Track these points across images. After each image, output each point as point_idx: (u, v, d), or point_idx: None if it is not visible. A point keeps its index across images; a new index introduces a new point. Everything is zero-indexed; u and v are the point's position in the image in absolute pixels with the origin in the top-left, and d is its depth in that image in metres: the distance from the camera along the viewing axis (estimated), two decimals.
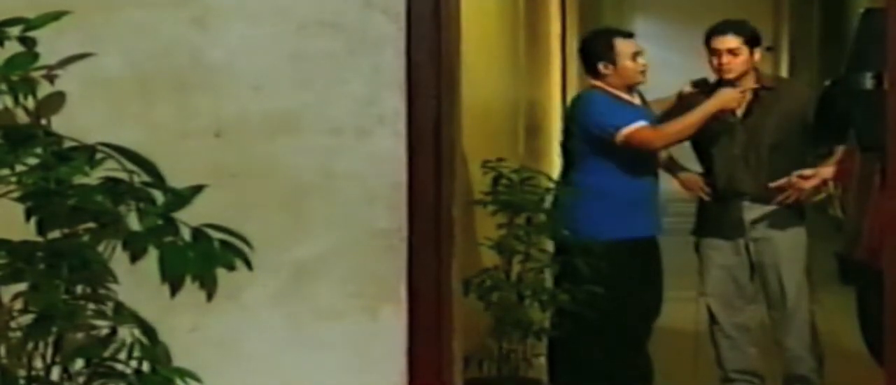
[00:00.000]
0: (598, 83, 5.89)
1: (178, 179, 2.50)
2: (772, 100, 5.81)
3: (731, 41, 5.77)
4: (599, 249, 5.48)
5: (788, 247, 5.85)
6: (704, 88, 5.94)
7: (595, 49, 5.89)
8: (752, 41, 5.86)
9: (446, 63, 3.14)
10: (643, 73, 5.91)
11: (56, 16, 2.48)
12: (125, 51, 3.03)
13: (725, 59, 5.76)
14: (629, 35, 6.12)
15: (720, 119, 5.77)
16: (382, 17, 3.04)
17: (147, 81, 3.04)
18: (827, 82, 6.01)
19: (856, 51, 5.53)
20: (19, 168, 2.35)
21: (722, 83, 5.81)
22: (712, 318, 5.95)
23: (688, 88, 6.05)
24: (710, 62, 5.83)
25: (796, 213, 5.84)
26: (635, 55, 5.87)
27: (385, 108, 3.06)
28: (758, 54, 5.88)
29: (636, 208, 5.83)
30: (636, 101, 5.92)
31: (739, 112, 5.82)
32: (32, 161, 2.36)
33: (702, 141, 5.92)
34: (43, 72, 2.42)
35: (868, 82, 5.13)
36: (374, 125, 3.07)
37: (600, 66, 5.84)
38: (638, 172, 5.84)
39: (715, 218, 5.92)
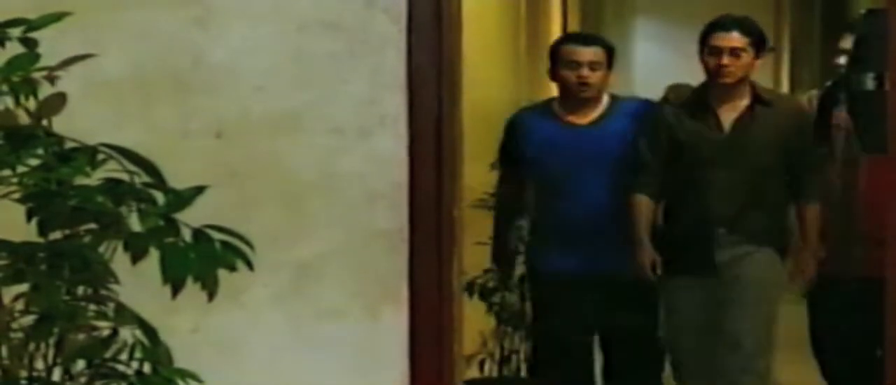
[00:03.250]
0: (554, 95, 5.39)
1: (179, 180, 2.49)
2: (766, 116, 5.03)
3: (735, 39, 4.98)
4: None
5: (763, 287, 5.05)
6: (686, 96, 5.23)
7: (551, 55, 5.28)
8: (759, 43, 5.07)
9: (447, 64, 3.14)
10: (582, 85, 5.11)
11: (57, 17, 2.46)
12: (127, 51, 3.03)
13: (726, 59, 4.96)
14: (588, 41, 5.36)
15: (702, 135, 5.04)
16: (384, 17, 3.04)
17: (148, 82, 3.04)
18: (828, 83, 5.43)
19: (857, 52, 5.06)
20: (20, 169, 2.34)
21: (714, 87, 5.02)
22: (676, 367, 5.22)
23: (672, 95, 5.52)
24: (705, 62, 5.01)
25: (778, 247, 5.08)
26: (575, 64, 5.13)
27: (386, 109, 3.06)
28: (760, 59, 5.10)
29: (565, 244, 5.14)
30: (588, 117, 5.17)
31: (726, 126, 5.03)
32: (33, 162, 2.35)
33: (674, 159, 5.07)
34: (44, 73, 2.40)
35: (870, 83, 4.87)
36: (376, 125, 3.07)
37: (550, 73, 5.29)
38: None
39: (681, 253, 5.08)
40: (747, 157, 5.03)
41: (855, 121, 4.99)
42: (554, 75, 5.26)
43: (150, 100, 3.04)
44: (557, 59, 5.20)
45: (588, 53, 5.17)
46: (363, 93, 3.05)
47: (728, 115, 5.06)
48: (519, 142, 5.24)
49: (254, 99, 3.05)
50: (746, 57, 5.01)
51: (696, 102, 5.17)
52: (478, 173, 5.44)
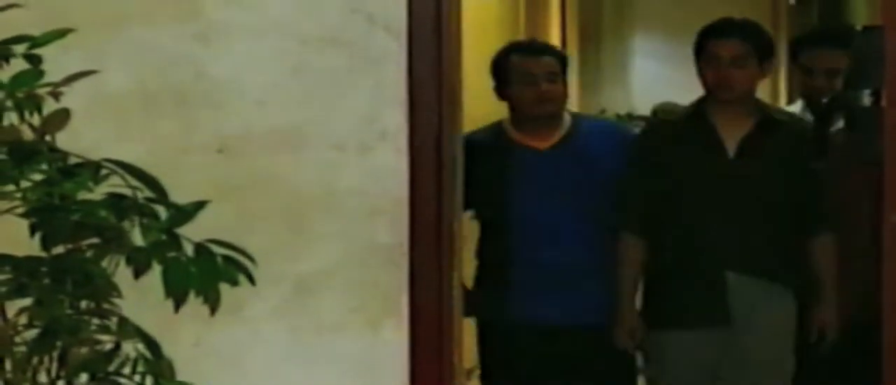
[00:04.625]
0: (505, 117, 4.55)
1: (181, 194, 2.50)
2: (776, 137, 4.28)
3: (736, 47, 4.23)
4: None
5: (775, 333, 4.31)
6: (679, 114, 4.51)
7: (493, 69, 4.53)
8: (764, 51, 4.30)
9: (447, 79, 3.14)
10: (544, 103, 4.39)
11: (61, 33, 2.48)
12: (130, 67, 3.03)
13: (726, 70, 4.21)
14: (540, 49, 4.68)
15: (702, 159, 4.30)
16: (384, 33, 3.04)
17: (151, 97, 3.05)
18: (824, 100, 4.77)
19: (853, 68, 4.57)
20: (24, 184, 2.35)
21: (714, 103, 4.27)
22: None
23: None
24: (703, 74, 4.28)
25: (794, 287, 4.33)
26: (530, 77, 4.39)
27: (387, 124, 3.06)
28: (767, 68, 4.33)
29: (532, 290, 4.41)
30: (549, 140, 4.44)
31: (731, 148, 4.27)
32: (37, 177, 2.36)
33: (667, 189, 4.28)
34: (48, 89, 2.41)
35: (866, 99, 4.42)
36: (376, 141, 3.07)
37: (498, 91, 4.51)
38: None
39: (679, 301, 4.28)
40: (757, 183, 4.26)
41: (852, 137, 4.48)
42: (502, 93, 4.49)
43: (152, 115, 3.05)
44: (506, 74, 4.45)
45: (543, 63, 4.44)
46: (364, 108, 3.06)
47: (733, 136, 4.29)
48: (480, 164, 4.27)
49: (255, 114, 3.06)
50: (750, 67, 4.26)
51: (693, 121, 4.36)
52: None
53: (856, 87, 4.54)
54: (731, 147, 4.28)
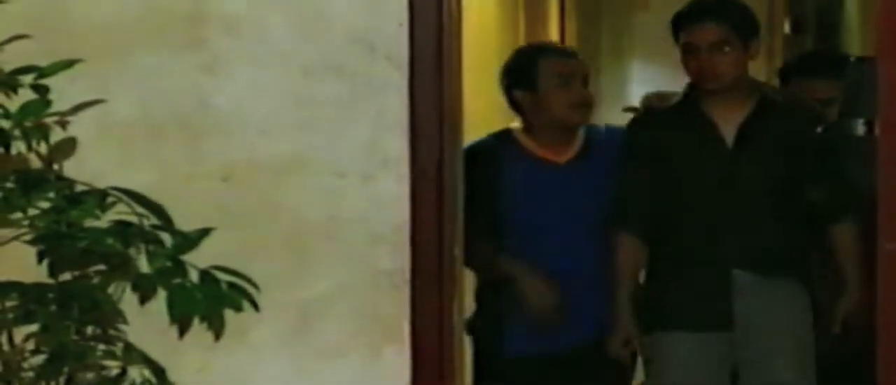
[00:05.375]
0: (514, 125, 4.19)
1: (186, 222, 2.51)
2: (776, 120, 3.94)
3: (710, 31, 3.84)
4: None
5: (791, 327, 3.94)
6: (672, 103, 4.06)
7: (512, 72, 4.16)
8: (746, 30, 3.90)
9: (448, 107, 3.14)
10: (581, 108, 4.05)
11: (68, 64, 2.49)
12: (136, 96, 3.03)
13: (705, 58, 3.83)
14: (565, 53, 4.30)
15: (699, 150, 3.95)
16: (386, 63, 3.05)
17: (157, 126, 3.05)
18: (819, 129, 4.34)
19: (847, 98, 4.24)
20: (32, 211, 2.36)
21: (704, 92, 3.90)
22: None
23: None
24: (685, 65, 3.91)
25: (803, 278, 3.96)
26: (567, 78, 4.03)
27: (388, 152, 3.07)
28: (754, 49, 3.93)
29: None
30: (566, 153, 4.11)
31: (729, 137, 3.92)
32: (45, 205, 2.37)
33: (664, 184, 3.96)
34: (55, 118, 2.42)
35: (859, 129, 4.04)
36: (378, 168, 3.07)
37: (517, 95, 4.11)
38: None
39: (680, 303, 3.95)
40: (760, 173, 3.90)
41: (845, 166, 4.12)
42: (520, 98, 4.08)
43: (158, 143, 3.05)
44: (532, 78, 4.05)
45: (579, 66, 4.11)
46: (366, 136, 3.06)
47: (729, 123, 3.93)
48: (491, 178, 4.02)
49: (259, 142, 3.06)
50: (732, 51, 3.85)
51: (685, 111, 3.99)
52: None
53: (850, 117, 4.17)
54: (728, 136, 3.91)
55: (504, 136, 4.18)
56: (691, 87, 4.00)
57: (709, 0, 3.95)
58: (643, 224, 3.99)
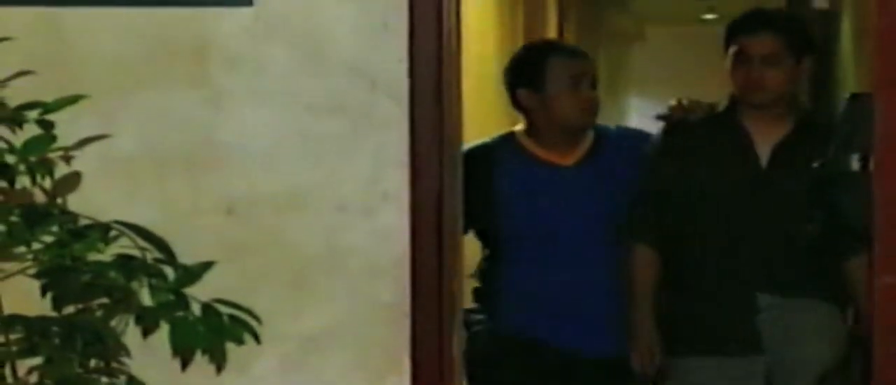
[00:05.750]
0: (517, 127, 4.01)
1: (189, 255, 2.50)
2: (813, 143, 3.71)
3: (766, 43, 3.67)
4: None
5: (823, 343, 3.74)
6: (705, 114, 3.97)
7: (518, 70, 3.97)
8: (800, 44, 3.72)
9: (447, 142, 3.15)
10: (590, 111, 3.89)
11: (73, 99, 2.49)
12: (140, 131, 3.04)
13: (756, 69, 3.67)
14: (576, 54, 4.04)
15: (732, 167, 3.75)
16: (387, 99, 3.05)
17: (161, 161, 3.05)
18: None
19: (843, 134, 3.96)
20: (36, 245, 2.35)
21: (746, 106, 3.72)
22: None
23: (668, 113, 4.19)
24: (733, 75, 3.71)
25: (838, 301, 3.78)
26: (577, 80, 3.86)
27: (388, 186, 3.07)
28: (806, 66, 3.77)
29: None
30: (572, 155, 3.91)
31: (764, 156, 3.73)
32: (49, 239, 2.36)
33: (689, 199, 3.76)
34: (60, 153, 2.42)
35: (855, 164, 3.88)
36: (379, 202, 3.07)
37: (522, 96, 3.93)
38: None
39: (705, 326, 3.78)
40: (792, 196, 3.71)
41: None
42: (524, 98, 3.91)
43: (162, 178, 3.05)
44: (541, 78, 3.86)
45: (588, 67, 3.92)
46: (366, 171, 3.06)
47: (766, 142, 3.76)
48: (492, 180, 3.88)
49: (262, 177, 3.06)
50: (785, 65, 3.69)
51: (723, 124, 3.80)
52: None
53: (845, 152, 4.25)
54: (763, 154, 3.73)
55: (505, 138, 4.02)
56: (733, 101, 3.82)
57: (769, 11, 3.83)
58: (659, 236, 3.81)
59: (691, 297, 3.81)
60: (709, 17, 20.06)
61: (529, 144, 3.93)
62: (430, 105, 3.09)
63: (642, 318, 3.82)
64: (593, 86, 3.91)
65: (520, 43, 7.28)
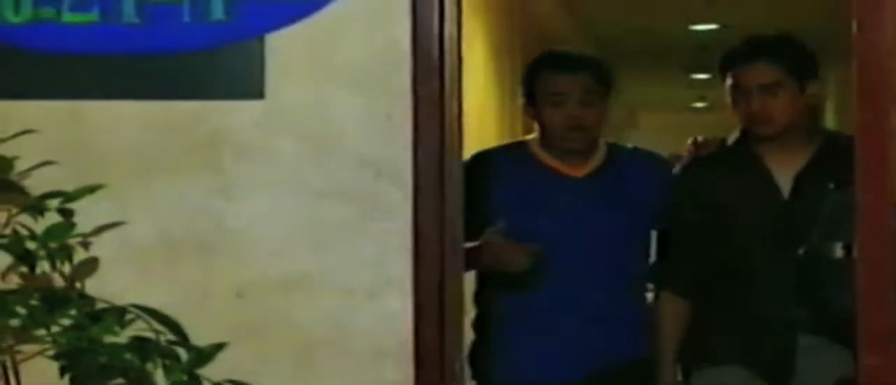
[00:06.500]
0: (531, 136, 3.87)
1: (202, 336, 2.53)
2: (838, 167, 3.22)
3: (763, 73, 3.42)
4: None
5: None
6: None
7: (521, 83, 3.86)
8: (801, 70, 3.45)
9: (449, 227, 3.18)
10: (575, 131, 3.66)
11: (92, 189, 2.52)
12: (155, 218, 3.08)
13: (755, 100, 3.41)
14: (563, 69, 3.73)
15: (752, 200, 3.47)
16: (391, 187, 3.09)
17: (174, 246, 3.09)
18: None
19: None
20: (54, 328, 2.38)
21: (749, 140, 3.49)
22: None
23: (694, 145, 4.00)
24: (735, 108, 3.48)
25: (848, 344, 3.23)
26: (560, 98, 3.64)
27: (393, 271, 3.10)
28: (812, 91, 3.47)
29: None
30: (584, 167, 3.73)
31: (784, 186, 3.46)
32: (67, 322, 2.39)
33: (712, 238, 3.49)
34: (78, 239, 2.45)
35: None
36: (383, 286, 3.11)
37: (525, 107, 3.82)
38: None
39: (731, 366, 3.49)
40: (814, 224, 3.42)
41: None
42: (536, 112, 3.75)
43: (175, 263, 3.09)
44: (534, 92, 3.74)
45: (576, 82, 3.66)
46: (372, 256, 3.10)
47: (785, 172, 3.50)
48: (489, 189, 3.67)
49: (271, 262, 3.10)
50: (786, 95, 3.41)
51: (739, 156, 3.55)
52: None
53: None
54: (784, 185, 3.47)
55: (516, 146, 3.91)
56: (744, 132, 3.58)
57: (764, 38, 3.53)
58: (685, 281, 3.59)
59: (720, 337, 3.54)
60: (699, 105, 20.15)
61: (539, 152, 3.79)
62: (433, 191, 3.12)
63: (668, 359, 3.63)
64: (586, 103, 3.68)
65: (518, 127, 7.34)
